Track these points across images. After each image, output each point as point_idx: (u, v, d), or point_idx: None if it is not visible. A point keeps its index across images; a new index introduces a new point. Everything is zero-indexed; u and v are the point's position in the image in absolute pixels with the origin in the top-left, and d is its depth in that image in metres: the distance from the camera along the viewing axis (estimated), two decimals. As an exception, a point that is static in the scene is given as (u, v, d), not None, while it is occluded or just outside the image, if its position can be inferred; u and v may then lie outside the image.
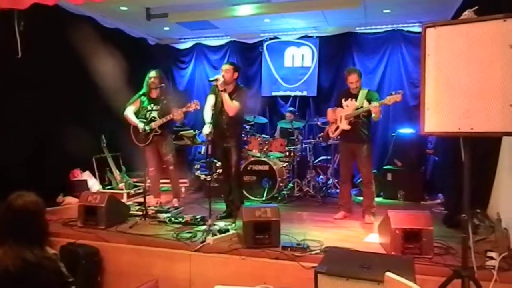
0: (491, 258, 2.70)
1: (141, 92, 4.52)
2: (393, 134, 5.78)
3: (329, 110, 4.41)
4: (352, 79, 4.14)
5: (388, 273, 1.64)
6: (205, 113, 4.05)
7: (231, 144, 4.10)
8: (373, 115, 4.02)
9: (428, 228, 2.93)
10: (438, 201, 5.17)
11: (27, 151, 4.42)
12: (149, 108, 4.51)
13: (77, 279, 3.12)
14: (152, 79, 4.50)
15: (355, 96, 4.15)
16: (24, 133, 4.37)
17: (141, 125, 4.47)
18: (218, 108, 4.07)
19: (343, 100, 4.22)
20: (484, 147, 3.33)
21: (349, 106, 4.15)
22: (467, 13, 2.22)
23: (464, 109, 2.16)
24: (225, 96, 3.97)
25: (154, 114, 4.48)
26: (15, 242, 1.77)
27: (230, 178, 4.18)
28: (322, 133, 5.81)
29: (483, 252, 2.79)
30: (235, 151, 4.13)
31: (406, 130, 5.66)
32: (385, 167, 5.58)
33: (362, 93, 4.13)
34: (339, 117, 4.23)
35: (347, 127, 4.12)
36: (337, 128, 4.25)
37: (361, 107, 4.06)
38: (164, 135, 4.56)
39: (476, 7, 2.22)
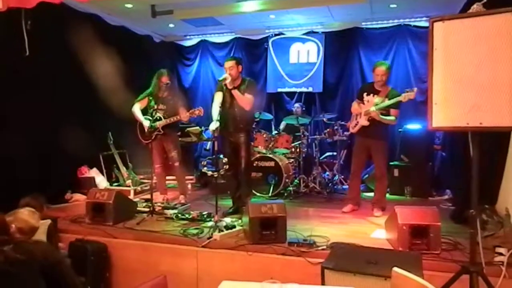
0: (500, 254, 2.68)
1: (148, 91, 4.52)
2: (400, 130, 5.74)
3: (355, 103, 4.31)
4: (379, 72, 4.05)
5: (395, 269, 1.63)
6: (213, 110, 4.04)
7: (242, 138, 4.09)
8: (388, 118, 3.98)
9: (435, 224, 2.91)
10: (446, 197, 5.14)
11: (35, 149, 4.46)
12: (155, 107, 4.52)
13: (86, 275, 3.17)
14: (162, 79, 4.49)
15: (377, 93, 4.08)
16: (32, 131, 4.40)
17: (146, 123, 4.48)
18: (227, 104, 4.06)
19: (365, 94, 4.15)
20: (493, 142, 3.30)
21: (369, 101, 4.08)
22: (476, 7, 2.18)
23: (472, 104, 2.13)
24: (237, 93, 3.97)
25: (160, 114, 4.48)
26: None
27: (239, 174, 4.16)
28: (328, 129, 5.83)
29: (492, 247, 2.76)
30: (245, 145, 4.12)
31: (413, 126, 5.62)
32: (392, 163, 5.54)
33: (385, 90, 4.06)
34: (359, 113, 4.18)
35: (366, 123, 4.08)
36: (357, 123, 4.21)
37: (377, 104, 4.00)
38: (168, 134, 4.57)
39: (485, 0, 2.19)
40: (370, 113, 3.97)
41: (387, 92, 4.06)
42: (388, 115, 4.02)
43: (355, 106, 4.29)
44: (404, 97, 3.79)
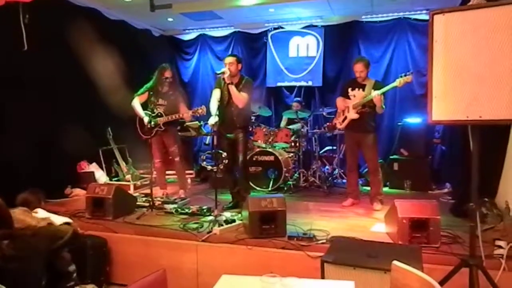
0: (500, 247, 2.68)
1: (149, 86, 4.48)
2: (399, 123, 5.73)
3: (340, 99, 4.34)
4: (357, 68, 4.10)
5: (395, 262, 1.63)
6: (211, 106, 4.03)
7: (239, 135, 4.10)
8: (376, 106, 3.99)
9: (435, 217, 2.92)
10: (446, 190, 5.14)
11: (35, 144, 4.45)
12: (155, 102, 4.49)
13: (85, 270, 3.17)
14: (164, 74, 4.44)
15: (362, 86, 4.12)
16: (31, 126, 4.39)
17: (146, 119, 4.46)
18: (225, 101, 4.06)
19: (349, 89, 4.19)
20: (493, 135, 3.29)
21: (356, 96, 4.13)
22: (476, -1, 2.17)
23: (472, 97, 2.12)
24: (233, 89, 3.97)
25: (161, 110, 4.45)
26: None
27: (236, 169, 4.17)
28: (328, 123, 5.81)
29: (491, 241, 2.77)
30: (242, 141, 4.12)
31: (412, 119, 5.61)
32: (391, 157, 5.55)
33: (369, 83, 4.10)
34: (346, 108, 4.21)
35: (356, 116, 4.10)
36: (345, 118, 4.23)
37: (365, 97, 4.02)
38: (168, 129, 4.55)
39: (485, -8, 2.17)
40: (374, 97, 3.91)
41: (373, 84, 4.08)
42: (374, 105, 4.00)
43: (340, 102, 4.30)
44: (399, 82, 3.79)
